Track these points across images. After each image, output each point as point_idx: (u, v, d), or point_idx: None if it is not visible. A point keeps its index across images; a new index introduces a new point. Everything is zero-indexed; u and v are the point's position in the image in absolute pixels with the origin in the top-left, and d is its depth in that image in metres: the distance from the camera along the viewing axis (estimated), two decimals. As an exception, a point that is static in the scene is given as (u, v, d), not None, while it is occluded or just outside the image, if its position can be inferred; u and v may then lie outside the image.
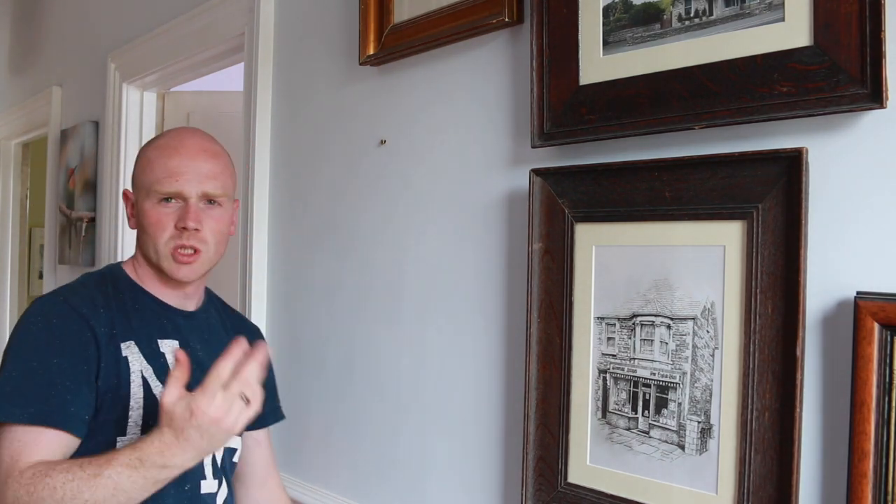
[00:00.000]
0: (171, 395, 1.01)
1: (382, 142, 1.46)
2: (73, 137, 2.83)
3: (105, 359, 1.14)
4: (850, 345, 0.80)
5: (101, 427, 1.14)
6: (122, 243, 2.49)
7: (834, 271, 0.84)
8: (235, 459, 1.32)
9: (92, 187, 2.69)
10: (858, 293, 0.80)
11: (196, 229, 1.20)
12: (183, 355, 1.04)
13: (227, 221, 1.27)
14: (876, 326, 0.77)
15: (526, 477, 1.11)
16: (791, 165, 0.85)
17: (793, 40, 0.85)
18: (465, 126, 1.29)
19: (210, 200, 1.22)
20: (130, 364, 1.17)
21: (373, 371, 1.48)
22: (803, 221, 0.84)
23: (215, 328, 1.33)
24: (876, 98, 0.79)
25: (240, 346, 1.03)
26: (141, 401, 1.16)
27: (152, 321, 1.23)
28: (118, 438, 1.14)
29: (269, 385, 1.34)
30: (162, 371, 1.19)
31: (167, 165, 1.21)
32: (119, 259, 2.50)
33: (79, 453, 1.12)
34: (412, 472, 1.38)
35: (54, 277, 3.09)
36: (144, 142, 2.48)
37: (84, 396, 1.12)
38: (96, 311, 1.17)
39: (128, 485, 1.01)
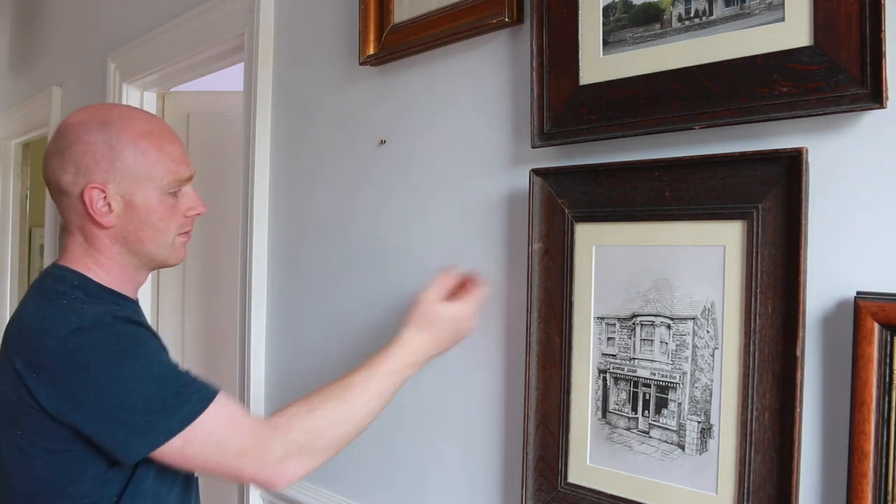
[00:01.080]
0: (435, 294, 1.15)
1: (382, 142, 1.46)
2: (73, 137, 2.82)
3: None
4: (850, 345, 0.80)
5: None
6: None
7: (834, 271, 0.84)
8: None
9: (92, 187, 2.68)
10: (858, 293, 0.80)
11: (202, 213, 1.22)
12: (452, 270, 1.18)
13: None
14: (876, 326, 0.77)
15: (526, 477, 1.11)
16: (791, 165, 0.85)
17: (793, 40, 0.85)
18: (465, 126, 1.29)
19: None
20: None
21: (373, 371, 1.47)
22: (803, 221, 0.84)
23: None
24: (876, 98, 0.79)
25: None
26: None
27: (143, 323, 1.18)
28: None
29: None
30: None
31: (171, 153, 1.15)
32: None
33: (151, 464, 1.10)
34: (412, 472, 1.38)
35: (54, 277, 3.08)
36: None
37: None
38: (139, 318, 1.15)
39: (387, 390, 1.12)
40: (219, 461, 1.05)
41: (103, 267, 1.16)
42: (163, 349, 1.11)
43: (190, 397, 1.04)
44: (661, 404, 0.98)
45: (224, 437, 1.04)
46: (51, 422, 1.03)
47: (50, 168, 1.15)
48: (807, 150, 0.84)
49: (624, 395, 1.02)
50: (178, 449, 1.02)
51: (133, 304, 1.22)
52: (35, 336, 1.05)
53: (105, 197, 1.12)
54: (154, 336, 1.11)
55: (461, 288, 1.18)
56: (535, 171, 1.11)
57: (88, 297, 1.12)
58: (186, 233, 1.21)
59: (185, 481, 1.20)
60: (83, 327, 1.04)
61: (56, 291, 1.11)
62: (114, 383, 1.02)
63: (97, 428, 1.02)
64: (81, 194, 1.12)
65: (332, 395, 1.10)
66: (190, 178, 1.19)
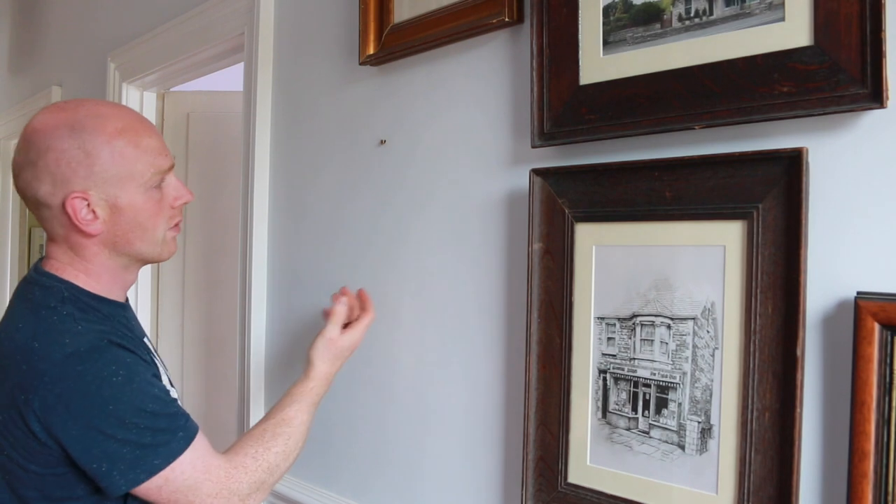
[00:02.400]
0: (335, 330, 1.28)
1: (382, 142, 1.46)
2: (73, 137, 2.82)
3: (160, 375, 1.14)
4: (850, 345, 0.80)
5: None
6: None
7: (834, 271, 0.84)
8: None
9: (92, 187, 2.68)
10: (859, 293, 0.79)
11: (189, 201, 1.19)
12: (343, 296, 1.30)
13: None
14: (876, 326, 0.77)
15: (526, 477, 1.11)
16: (791, 165, 0.85)
17: (793, 40, 0.85)
18: (465, 126, 1.29)
19: None
20: (161, 376, 1.15)
21: (373, 371, 1.48)
22: (803, 221, 0.84)
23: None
24: (876, 98, 0.79)
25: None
26: (178, 400, 1.15)
27: (132, 326, 1.19)
28: None
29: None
30: (163, 367, 1.20)
31: (149, 146, 1.10)
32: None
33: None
34: (412, 473, 1.38)
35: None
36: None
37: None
38: (126, 338, 1.10)
39: (310, 417, 1.22)
40: (191, 501, 1.06)
41: (91, 275, 1.12)
42: (153, 374, 1.09)
43: (175, 434, 1.05)
44: (662, 404, 0.98)
45: (200, 478, 1.06)
46: (39, 446, 1.01)
47: (23, 180, 1.08)
48: (807, 150, 0.84)
49: (624, 396, 1.02)
50: (157, 486, 1.03)
51: (123, 308, 1.19)
52: (27, 357, 1.01)
53: (88, 204, 1.07)
54: (141, 358, 1.09)
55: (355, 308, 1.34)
56: (535, 171, 1.11)
57: (80, 311, 1.08)
58: (176, 225, 1.17)
59: None
60: (79, 352, 1.01)
61: (46, 306, 1.07)
62: (107, 416, 1.00)
63: (85, 457, 1.01)
64: (63, 205, 1.06)
65: (277, 432, 1.17)
66: (171, 167, 1.13)
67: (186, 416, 1.09)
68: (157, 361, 1.19)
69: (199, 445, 1.08)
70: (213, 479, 1.07)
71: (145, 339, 1.22)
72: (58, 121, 1.07)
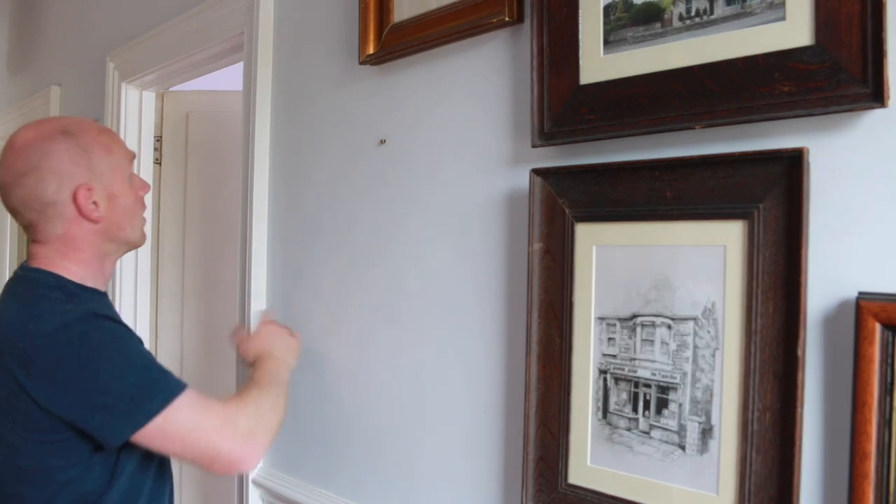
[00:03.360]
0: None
1: (382, 141, 1.46)
2: (73, 137, 2.82)
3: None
4: (851, 345, 0.80)
5: None
6: (121, 243, 2.48)
7: (835, 271, 0.84)
8: None
9: (91, 187, 2.68)
10: (860, 293, 0.79)
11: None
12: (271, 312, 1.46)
13: None
14: (877, 327, 0.77)
15: (526, 477, 1.11)
16: (792, 165, 0.85)
17: (794, 40, 0.85)
18: (465, 125, 1.29)
19: None
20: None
21: (373, 371, 1.47)
22: (804, 221, 0.84)
23: None
24: (877, 97, 0.78)
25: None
26: None
27: (117, 315, 1.27)
28: None
29: None
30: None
31: (119, 142, 1.28)
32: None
33: (133, 457, 1.21)
34: (412, 473, 1.38)
35: (53, 277, 3.08)
36: (144, 141, 2.51)
37: None
38: (111, 311, 1.25)
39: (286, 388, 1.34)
40: (196, 437, 1.12)
41: (80, 264, 1.24)
42: (140, 342, 1.18)
43: (169, 381, 1.14)
44: (662, 405, 0.97)
45: (200, 414, 1.14)
46: (42, 413, 1.10)
47: (27, 188, 1.20)
48: (808, 150, 0.84)
49: (624, 396, 1.02)
50: (159, 427, 1.10)
51: (104, 297, 1.30)
52: (24, 336, 1.12)
53: (93, 196, 1.22)
54: (130, 331, 1.19)
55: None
56: (535, 171, 1.11)
57: (68, 297, 1.18)
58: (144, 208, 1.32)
59: (159, 468, 1.28)
60: (68, 323, 1.12)
61: (36, 294, 1.18)
62: (100, 372, 1.10)
63: (85, 414, 1.10)
64: (73, 198, 1.21)
65: (262, 391, 1.26)
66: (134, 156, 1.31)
67: (176, 376, 1.17)
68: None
69: (193, 392, 1.16)
70: (214, 413, 1.15)
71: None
72: (45, 130, 1.23)
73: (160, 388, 1.12)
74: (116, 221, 1.25)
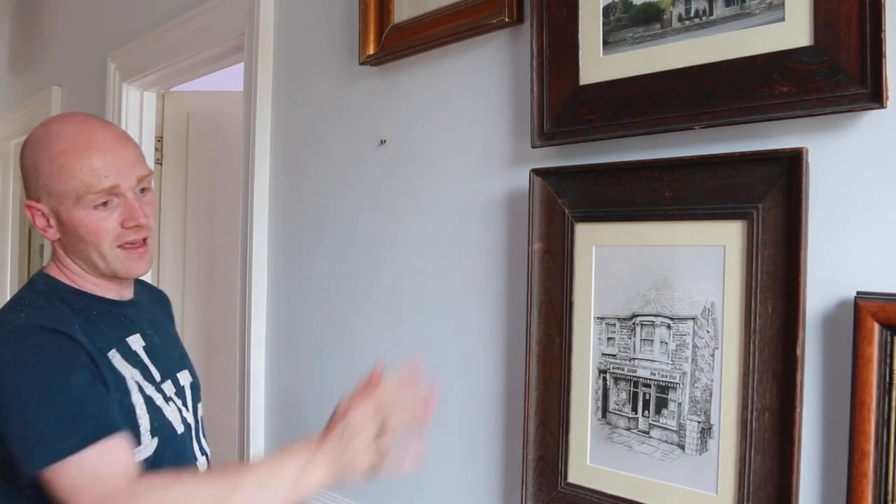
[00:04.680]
0: (366, 411, 1.00)
1: (382, 142, 1.46)
2: (73, 137, 2.82)
3: (104, 371, 1.08)
4: (850, 345, 0.80)
5: None
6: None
7: (834, 271, 0.84)
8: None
9: (92, 187, 2.68)
10: (858, 293, 0.79)
11: (144, 224, 1.13)
12: (380, 364, 1.02)
13: (156, 200, 1.24)
14: (876, 326, 0.77)
15: (526, 477, 1.11)
16: (791, 165, 0.85)
17: (793, 40, 0.85)
18: (465, 126, 1.29)
19: (142, 188, 1.14)
20: (122, 373, 1.11)
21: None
22: (803, 221, 0.84)
23: (150, 308, 1.32)
24: (876, 98, 0.79)
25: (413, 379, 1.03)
26: (144, 407, 1.12)
27: (114, 322, 1.17)
28: (135, 450, 1.08)
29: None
30: (143, 368, 1.15)
31: (91, 166, 1.09)
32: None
33: None
34: (412, 472, 1.38)
35: (54, 277, 3.08)
36: (145, 142, 2.51)
37: (112, 402, 1.07)
38: (73, 325, 1.08)
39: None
40: None
41: (70, 270, 1.17)
42: (81, 368, 1.05)
43: (76, 430, 0.99)
44: (661, 404, 0.98)
45: (83, 486, 0.98)
46: None
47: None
48: (807, 150, 0.84)
49: (624, 395, 1.02)
50: (50, 478, 0.98)
51: (113, 305, 1.19)
52: None
53: (43, 213, 1.14)
54: (82, 349, 1.06)
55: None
56: (535, 171, 1.11)
57: (46, 301, 1.12)
58: (131, 244, 1.14)
59: None
60: (4, 335, 1.03)
61: (17, 298, 1.15)
62: (15, 395, 1.00)
63: (4, 434, 1.01)
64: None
65: (193, 492, 0.98)
66: (114, 189, 1.10)
67: (103, 417, 1.02)
68: (122, 367, 1.12)
69: (104, 448, 0.99)
70: (99, 489, 0.97)
71: (129, 340, 1.17)
72: (35, 134, 1.18)
73: (65, 434, 0.98)
74: (72, 244, 1.14)
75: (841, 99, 0.81)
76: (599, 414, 1.04)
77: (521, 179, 1.16)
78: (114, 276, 1.17)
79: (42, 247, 3.66)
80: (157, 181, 2.59)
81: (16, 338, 1.03)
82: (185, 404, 1.23)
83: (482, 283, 1.25)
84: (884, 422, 0.77)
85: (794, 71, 0.85)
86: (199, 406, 1.30)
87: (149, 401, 1.14)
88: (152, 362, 1.19)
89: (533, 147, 1.12)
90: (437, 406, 1.33)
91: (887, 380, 0.77)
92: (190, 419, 1.23)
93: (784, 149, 0.86)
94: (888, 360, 0.77)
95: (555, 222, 1.10)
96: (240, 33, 1.87)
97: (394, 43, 1.39)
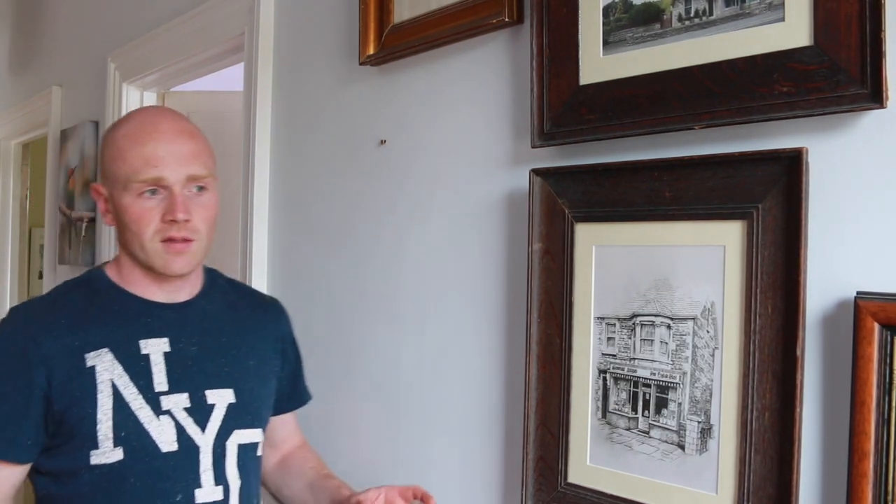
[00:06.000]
0: None
1: (382, 142, 1.46)
2: (73, 137, 2.83)
3: (59, 375, 1.08)
4: (850, 345, 0.80)
5: (70, 444, 1.09)
6: (121, 243, 2.48)
7: (834, 271, 0.84)
8: (259, 453, 1.24)
9: (92, 187, 2.69)
10: (858, 293, 0.80)
11: (186, 220, 1.10)
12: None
13: (216, 207, 1.17)
14: (876, 326, 0.77)
15: (526, 477, 1.11)
16: (791, 165, 0.85)
17: (793, 40, 0.85)
18: (465, 126, 1.29)
19: (198, 186, 1.13)
20: (98, 374, 1.10)
21: (372, 371, 1.48)
22: (803, 221, 0.84)
23: (216, 316, 1.23)
24: (876, 98, 0.79)
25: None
26: (110, 412, 1.09)
27: (134, 321, 1.15)
28: (91, 453, 1.08)
29: (296, 370, 1.35)
30: (142, 374, 1.13)
31: (142, 153, 1.09)
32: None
33: (50, 470, 1.11)
34: (412, 472, 1.38)
35: (54, 277, 3.09)
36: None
37: (25, 421, 1.08)
38: (54, 324, 1.11)
39: None
40: None
41: (120, 265, 1.19)
42: (10, 376, 1.09)
43: None
44: (661, 404, 0.98)
45: None
46: None
47: None
48: (807, 150, 0.84)
49: (624, 395, 1.02)
50: None
51: (154, 307, 1.17)
52: None
53: (104, 198, 1.15)
54: (14, 365, 1.09)
55: None
56: (535, 171, 1.11)
57: (68, 290, 1.19)
58: (170, 240, 1.11)
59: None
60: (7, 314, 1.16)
61: (64, 282, 1.22)
62: None
63: None
64: None
65: None
66: (157, 180, 1.10)
67: None
68: (101, 367, 1.11)
69: None
70: None
71: (144, 342, 1.14)
72: (110, 126, 1.22)
73: None
74: (121, 233, 1.14)
75: (841, 99, 0.81)
76: (599, 414, 1.05)
77: (521, 179, 1.16)
78: (154, 272, 1.15)
79: (42, 247, 3.66)
80: (157, 181, 2.58)
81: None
82: (200, 423, 1.14)
83: (482, 283, 1.25)
84: (884, 422, 0.77)
85: (794, 71, 0.85)
86: (240, 432, 1.18)
87: (121, 407, 1.10)
88: (168, 371, 1.14)
89: (533, 147, 1.12)
90: (436, 405, 1.34)
91: (887, 380, 0.77)
92: (201, 441, 1.14)
93: (784, 149, 0.86)
94: (888, 360, 0.77)
95: (555, 222, 1.10)
96: (240, 33, 1.87)
97: (394, 43, 1.39)
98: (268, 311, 1.32)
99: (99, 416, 1.08)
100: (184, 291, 1.20)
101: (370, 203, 1.49)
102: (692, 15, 0.95)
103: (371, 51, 1.43)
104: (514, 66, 1.20)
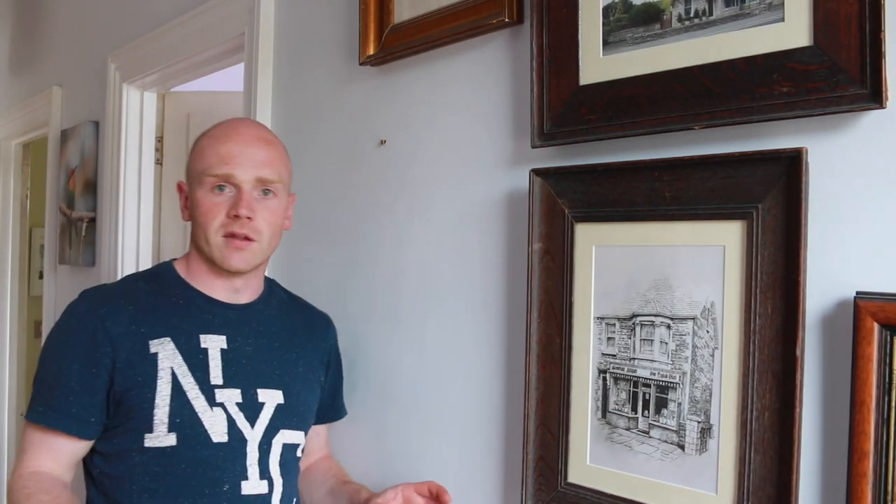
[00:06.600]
0: None
1: (382, 142, 1.46)
2: (74, 137, 2.83)
3: (123, 358, 1.15)
4: (849, 345, 0.80)
5: (126, 426, 1.16)
6: (121, 243, 2.49)
7: (834, 271, 0.84)
8: (299, 454, 1.30)
9: (92, 187, 2.69)
10: (858, 293, 0.80)
11: (249, 217, 1.18)
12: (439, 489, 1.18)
13: (281, 213, 1.25)
14: (875, 326, 0.77)
15: (526, 477, 1.11)
16: (791, 165, 0.85)
17: (793, 40, 0.85)
18: (465, 126, 1.29)
19: (265, 190, 1.21)
20: (160, 361, 1.16)
21: (372, 371, 1.48)
22: (803, 221, 0.84)
23: (272, 321, 1.31)
24: (876, 98, 0.79)
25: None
26: (167, 398, 1.15)
27: (196, 316, 1.22)
28: (146, 436, 1.15)
29: (337, 383, 1.41)
30: (200, 366, 1.18)
31: (219, 151, 1.19)
32: (118, 256, 2.50)
33: (105, 450, 1.18)
34: (412, 472, 1.38)
35: (54, 277, 3.09)
36: (145, 142, 2.52)
37: (90, 399, 1.15)
38: (122, 309, 1.18)
39: None
40: (18, 461, 1.19)
41: (189, 261, 1.26)
42: (83, 357, 1.16)
43: (40, 404, 1.17)
44: (661, 404, 0.98)
45: (24, 450, 1.19)
46: None
47: None
48: (807, 151, 0.84)
49: (624, 395, 1.02)
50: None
51: (218, 306, 1.25)
52: None
53: (185, 194, 1.25)
54: (88, 344, 1.16)
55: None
56: (535, 171, 1.11)
57: (136, 280, 1.28)
58: (232, 235, 1.19)
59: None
60: (78, 298, 1.22)
61: (133, 273, 1.36)
62: (41, 353, 1.21)
63: None
64: None
65: None
66: (227, 177, 1.18)
67: (59, 413, 1.15)
68: (163, 354, 1.18)
69: (45, 439, 1.17)
70: (20, 463, 1.18)
71: (204, 336, 1.21)
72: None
73: (36, 403, 1.18)
74: (194, 229, 1.23)
75: (841, 99, 0.81)
76: (599, 414, 1.05)
77: (521, 179, 1.17)
78: (218, 267, 1.22)
79: (42, 247, 3.66)
80: (156, 181, 2.59)
81: (68, 309, 1.21)
82: (250, 419, 1.20)
83: (482, 283, 1.25)
84: (883, 422, 0.77)
85: (793, 71, 0.85)
86: (285, 432, 1.25)
87: (178, 395, 1.15)
88: (223, 367, 1.20)
89: (533, 147, 1.12)
90: (436, 405, 1.33)
91: (887, 380, 0.77)
92: (249, 436, 1.20)
93: (784, 149, 0.86)
94: (888, 360, 0.77)
95: (555, 222, 1.10)
96: (240, 33, 1.87)
97: (394, 43, 1.39)
98: (319, 323, 1.40)
99: (157, 400, 1.14)
100: (245, 294, 1.28)
101: (370, 203, 1.49)
102: (692, 15, 0.95)
103: (371, 51, 1.43)
104: (514, 67, 1.20)
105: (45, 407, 1.16)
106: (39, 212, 3.51)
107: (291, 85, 1.74)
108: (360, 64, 1.45)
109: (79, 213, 2.77)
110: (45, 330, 3.16)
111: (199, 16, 2.07)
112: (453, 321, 1.30)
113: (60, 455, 1.18)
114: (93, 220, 2.68)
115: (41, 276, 3.66)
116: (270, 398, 1.23)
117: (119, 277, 2.42)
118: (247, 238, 1.19)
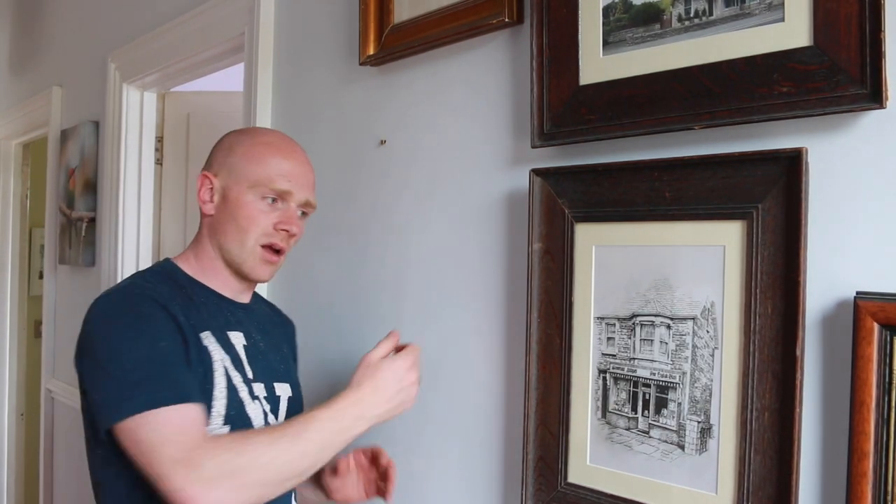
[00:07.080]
0: (379, 352, 1.14)
1: (382, 142, 1.46)
2: (74, 137, 2.83)
3: (191, 347, 1.12)
4: (849, 345, 0.80)
5: None
6: (121, 243, 2.49)
7: (834, 271, 0.84)
8: None
9: (92, 187, 2.69)
10: (858, 293, 0.80)
11: (294, 234, 1.22)
12: (396, 332, 1.18)
13: (304, 231, 1.29)
14: (875, 326, 0.77)
15: (526, 477, 1.11)
16: (791, 165, 0.85)
17: (793, 40, 0.85)
18: (465, 126, 1.29)
19: (303, 212, 1.25)
20: (212, 353, 1.15)
21: (373, 371, 1.48)
22: (803, 221, 0.84)
23: (265, 319, 1.35)
24: (876, 98, 0.79)
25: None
26: (224, 391, 1.14)
27: (218, 314, 1.21)
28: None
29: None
30: (236, 361, 1.18)
31: (282, 166, 1.20)
32: (125, 257, 2.50)
33: None
34: (411, 472, 1.38)
35: (54, 277, 3.09)
36: (145, 142, 2.51)
37: (191, 373, 1.10)
38: (172, 301, 1.14)
39: (328, 438, 1.09)
40: (151, 459, 1.01)
41: (198, 258, 1.24)
42: (170, 336, 1.10)
43: (161, 385, 1.04)
44: (661, 404, 0.98)
45: (167, 437, 1.01)
46: (81, 391, 1.12)
47: None
48: (807, 151, 0.84)
49: (624, 395, 1.02)
50: (129, 431, 1.02)
51: (226, 303, 1.24)
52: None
53: (211, 187, 1.21)
54: (168, 322, 1.10)
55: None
56: (535, 171, 1.11)
57: (156, 279, 1.19)
58: (270, 246, 1.20)
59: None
60: (109, 293, 1.15)
61: (133, 274, 1.25)
62: (107, 347, 1.07)
63: (88, 388, 1.09)
64: (198, 181, 1.24)
65: (266, 441, 1.05)
66: (285, 193, 1.19)
67: (185, 385, 1.06)
68: (214, 348, 1.15)
69: (186, 409, 1.03)
70: (181, 443, 1.01)
71: (230, 333, 1.19)
72: (242, 129, 1.32)
73: (152, 388, 1.03)
74: (221, 224, 1.20)
75: (841, 99, 0.81)
76: (599, 414, 1.05)
77: (521, 179, 1.17)
78: (238, 273, 1.23)
79: (42, 247, 3.66)
80: (156, 181, 2.59)
81: (118, 298, 1.13)
82: (274, 411, 1.23)
83: (482, 283, 1.25)
84: (883, 422, 0.77)
85: (793, 71, 0.85)
86: None
87: (231, 388, 1.15)
88: (249, 362, 1.21)
89: (533, 147, 1.12)
90: (436, 405, 1.33)
91: (887, 380, 0.77)
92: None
93: (784, 149, 0.86)
94: (888, 360, 0.77)
95: (555, 222, 1.10)
96: (240, 33, 1.87)
97: (394, 43, 1.39)
98: (282, 319, 1.44)
99: (216, 392, 1.14)
100: (247, 294, 1.30)
101: (370, 203, 1.49)
102: (692, 15, 0.95)
103: (371, 51, 1.43)
104: (514, 67, 1.20)
105: (175, 386, 1.05)
106: (39, 212, 3.51)
107: (291, 85, 1.74)
108: (360, 64, 1.45)
109: (79, 213, 2.77)
110: (45, 330, 3.16)
111: (199, 16, 2.07)
112: (453, 321, 1.30)
113: (205, 426, 1.07)
114: (93, 220, 2.68)
115: (41, 276, 3.66)
116: (284, 391, 1.27)
117: (119, 277, 2.43)
118: (280, 252, 1.23)
